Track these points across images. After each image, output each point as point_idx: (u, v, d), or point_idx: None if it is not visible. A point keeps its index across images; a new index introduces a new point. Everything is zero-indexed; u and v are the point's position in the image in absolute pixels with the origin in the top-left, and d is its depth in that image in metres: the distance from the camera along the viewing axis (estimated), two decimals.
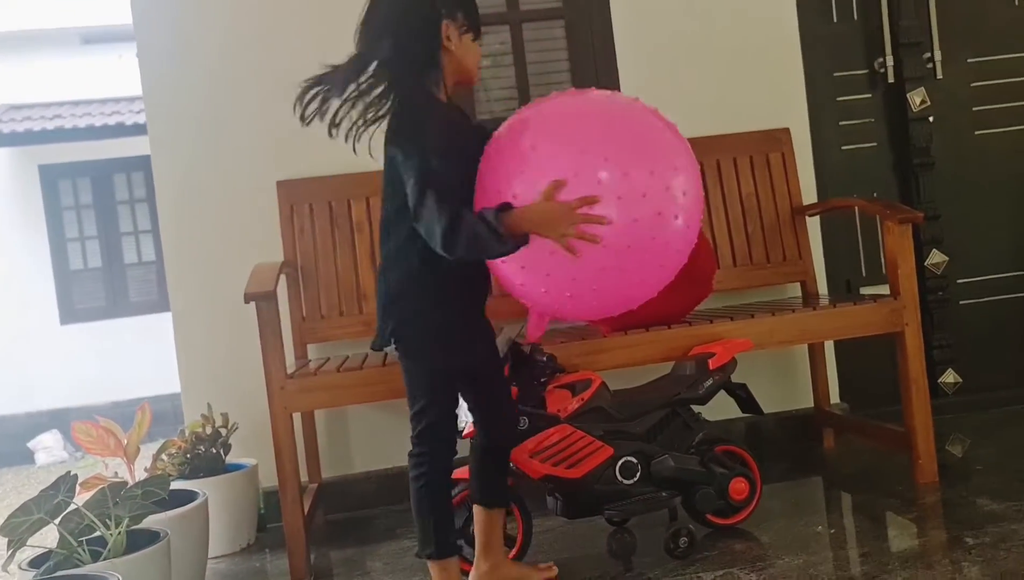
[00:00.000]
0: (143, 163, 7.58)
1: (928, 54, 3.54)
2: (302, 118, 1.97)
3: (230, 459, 2.89)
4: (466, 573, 2.13)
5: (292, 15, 3.17)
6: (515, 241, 1.84)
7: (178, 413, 3.22)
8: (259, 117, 3.13)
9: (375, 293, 2.94)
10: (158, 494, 2.13)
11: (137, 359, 8.23)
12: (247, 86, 3.14)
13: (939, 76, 3.55)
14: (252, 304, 2.41)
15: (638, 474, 2.31)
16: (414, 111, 1.93)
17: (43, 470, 7.07)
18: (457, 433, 2.09)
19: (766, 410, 2.76)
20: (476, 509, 2.18)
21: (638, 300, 2.09)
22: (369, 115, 1.95)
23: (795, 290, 3.25)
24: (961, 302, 3.59)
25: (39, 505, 1.99)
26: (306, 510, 2.57)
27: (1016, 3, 3.62)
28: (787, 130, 3.29)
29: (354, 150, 1.96)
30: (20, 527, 1.96)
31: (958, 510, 2.47)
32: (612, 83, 3.30)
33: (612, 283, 1.96)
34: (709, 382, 2.41)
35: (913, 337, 2.66)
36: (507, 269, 1.99)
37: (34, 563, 2.01)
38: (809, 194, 3.32)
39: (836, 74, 3.53)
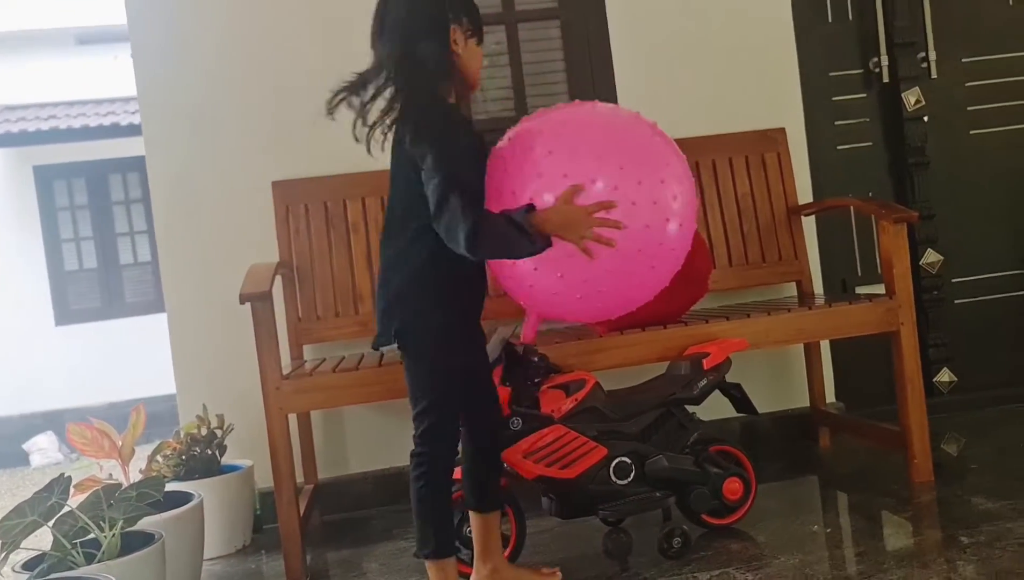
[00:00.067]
0: (138, 164, 7.59)
1: (923, 54, 3.55)
2: (329, 113, 2.01)
3: (226, 460, 2.88)
4: (463, 575, 2.13)
5: (287, 15, 3.16)
6: (543, 241, 1.91)
7: (174, 414, 3.21)
8: (254, 117, 3.13)
9: (372, 293, 2.98)
10: (153, 496, 2.13)
11: (133, 360, 8.22)
12: (242, 86, 3.14)
13: (934, 76, 3.56)
14: (248, 305, 2.41)
15: (632, 474, 2.31)
16: (433, 113, 1.96)
17: (38, 472, 7.05)
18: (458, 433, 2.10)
19: (762, 410, 2.77)
20: (471, 514, 2.18)
21: (639, 302, 2.21)
22: (387, 119, 1.97)
23: (791, 290, 3.26)
24: (956, 301, 3.60)
25: (33, 507, 1.98)
26: (302, 511, 2.57)
27: (1011, 3, 3.63)
28: (783, 130, 3.29)
29: (368, 151, 1.99)
30: (14, 529, 1.95)
31: (953, 509, 2.47)
32: (608, 83, 3.30)
33: (619, 285, 2.09)
34: (703, 382, 2.41)
35: (908, 336, 2.67)
36: (520, 270, 2.06)
37: (28, 565, 2.00)
38: (805, 194, 3.32)
39: (831, 74, 3.54)
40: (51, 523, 2.00)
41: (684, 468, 2.36)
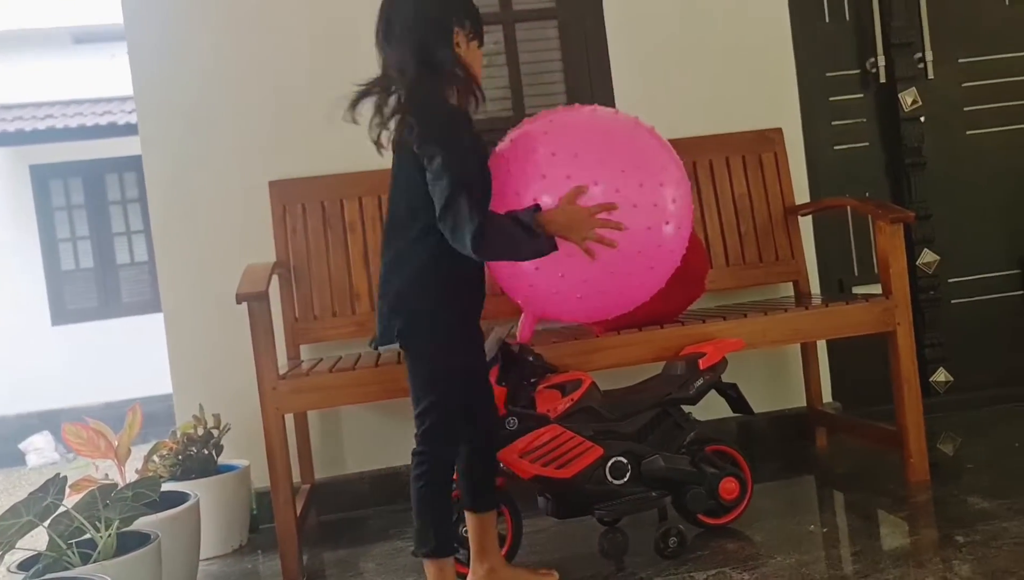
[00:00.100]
0: (135, 163, 7.57)
1: (920, 54, 3.55)
2: (351, 110, 2.03)
3: (222, 460, 2.88)
4: (460, 574, 2.13)
5: (283, 15, 3.16)
6: (548, 242, 1.94)
7: (170, 414, 3.20)
8: (251, 116, 3.13)
9: (369, 293, 2.98)
10: (149, 496, 2.12)
11: (129, 360, 8.20)
12: (239, 85, 3.14)
13: (930, 76, 3.56)
14: (244, 305, 2.40)
15: (628, 474, 2.31)
16: (441, 115, 1.97)
17: (34, 471, 7.03)
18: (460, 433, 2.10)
19: (759, 409, 2.77)
20: (468, 514, 2.18)
21: (636, 302, 2.26)
22: (392, 120, 1.99)
23: (787, 290, 3.26)
24: (953, 301, 3.60)
25: (28, 507, 1.98)
26: (299, 511, 2.57)
27: (1007, 3, 3.63)
28: (779, 130, 3.29)
29: (379, 151, 2.01)
30: (9, 529, 1.95)
31: (949, 508, 2.48)
32: (605, 83, 3.30)
33: (618, 286, 2.14)
34: (699, 382, 2.41)
35: (905, 336, 2.67)
36: (521, 269, 2.09)
37: (23, 566, 2.00)
38: (801, 194, 3.32)
39: (828, 74, 3.54)
40: (47, 523, 1.99)
41: (680, 468, 2.37)
